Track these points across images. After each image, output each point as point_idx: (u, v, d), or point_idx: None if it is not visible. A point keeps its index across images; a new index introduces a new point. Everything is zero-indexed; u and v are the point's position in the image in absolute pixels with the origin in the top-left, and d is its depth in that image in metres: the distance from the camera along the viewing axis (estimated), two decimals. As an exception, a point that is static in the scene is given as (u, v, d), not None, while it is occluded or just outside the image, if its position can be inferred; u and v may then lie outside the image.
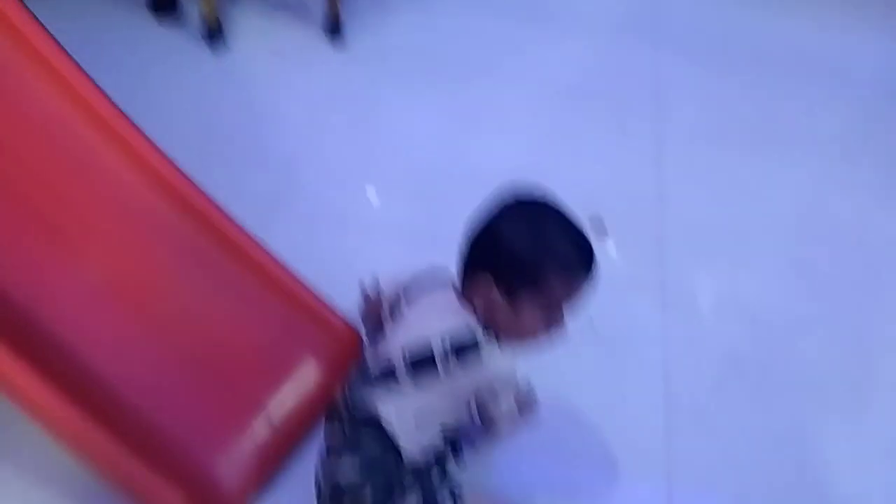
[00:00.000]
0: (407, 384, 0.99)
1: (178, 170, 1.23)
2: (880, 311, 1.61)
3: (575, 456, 1.28)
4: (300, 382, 1.18)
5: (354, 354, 1.23)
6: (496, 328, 1.02)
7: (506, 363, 1.02)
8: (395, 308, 1.09)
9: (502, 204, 1.03)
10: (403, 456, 1.00)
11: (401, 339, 1.02)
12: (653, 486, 1.26)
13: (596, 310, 1.46)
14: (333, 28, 2.00)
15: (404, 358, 0.99)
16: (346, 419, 1.03)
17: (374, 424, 0.99)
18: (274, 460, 1.13)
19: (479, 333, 1.00)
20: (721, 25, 2.33)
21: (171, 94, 1.64)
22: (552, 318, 1.03)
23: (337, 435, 1.03)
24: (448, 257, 1.07)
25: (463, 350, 0.98)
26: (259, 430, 1.11)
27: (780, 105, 2.07)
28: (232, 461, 1.08)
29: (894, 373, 1.49)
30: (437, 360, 0.98)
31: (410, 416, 1.00)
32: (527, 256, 0.99)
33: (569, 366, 1.39)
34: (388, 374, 1.00)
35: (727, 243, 1.69)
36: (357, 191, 1.67)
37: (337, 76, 1.93)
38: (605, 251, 1.61)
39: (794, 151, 1.95)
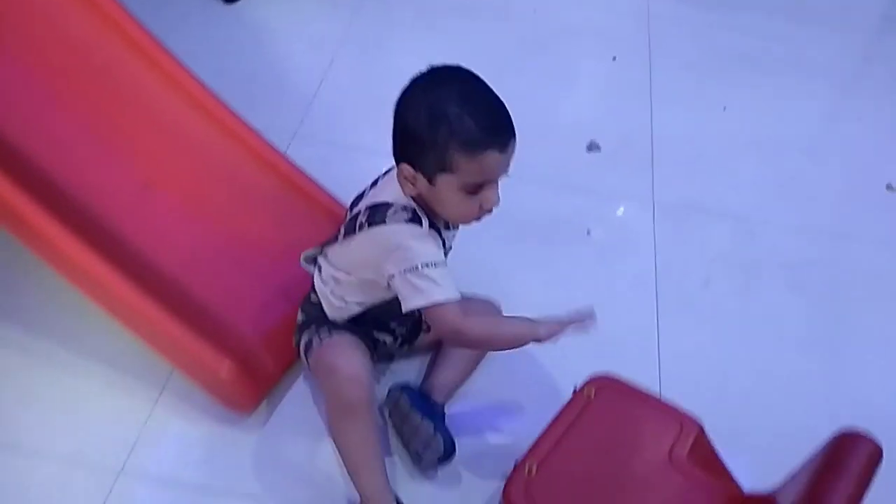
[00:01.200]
0: (340, 240, 1.09)
1: (211, 92, 1.38)
2: (854, 217, 1.74)
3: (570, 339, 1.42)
4: None
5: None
6: (431, 212, 1.05)
7: (414, 237, 1.02)
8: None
9: (406, 91, 1.01)
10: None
11: (358, 207, 1.11)
12: (645, 364, 1.39)
13: (592, 219, 1.64)
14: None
15: (346, 222, 1.10)
16: None
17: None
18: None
19: (399, 203, 1.03)
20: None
21: (188, 39, 1.75)
22: (476, 195, 1.01)
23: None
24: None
25: (376, 208, 1.04)
26: (286, 310, 1.25)
27: (769, 38, 2.20)
28: (268, 336, 1.23)
29: (871, 270, 1.62)
30: (359, 218, 1.06)
31: (331, 273, 1.12)
32: (426, 138, 0.97)
33: (564, 266, 1.54)
34: (336, 236, 1.11)
35: (713, 159, 1.82)
36: (368, 123, 1.80)
37: (347, 22, 2.06)
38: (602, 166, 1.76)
39: (781, 80, 2.07)
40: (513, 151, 1.01)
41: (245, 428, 1.21)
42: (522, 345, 1.07)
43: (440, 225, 1.08)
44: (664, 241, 1.61)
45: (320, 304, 1.17)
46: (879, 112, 2.02)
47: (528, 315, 1.09)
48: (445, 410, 1.22)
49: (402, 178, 1.03)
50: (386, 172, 1.13)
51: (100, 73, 1.34)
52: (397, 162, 1.04)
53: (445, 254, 1.12)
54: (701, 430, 0.98)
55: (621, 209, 1.69)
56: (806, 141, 1.92)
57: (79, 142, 1.27)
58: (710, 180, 1.77)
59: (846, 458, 0.79)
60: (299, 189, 1.40)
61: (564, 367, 1.34)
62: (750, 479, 1.03)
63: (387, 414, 1.22)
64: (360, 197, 1.16)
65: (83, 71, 1.33)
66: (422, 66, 1.66)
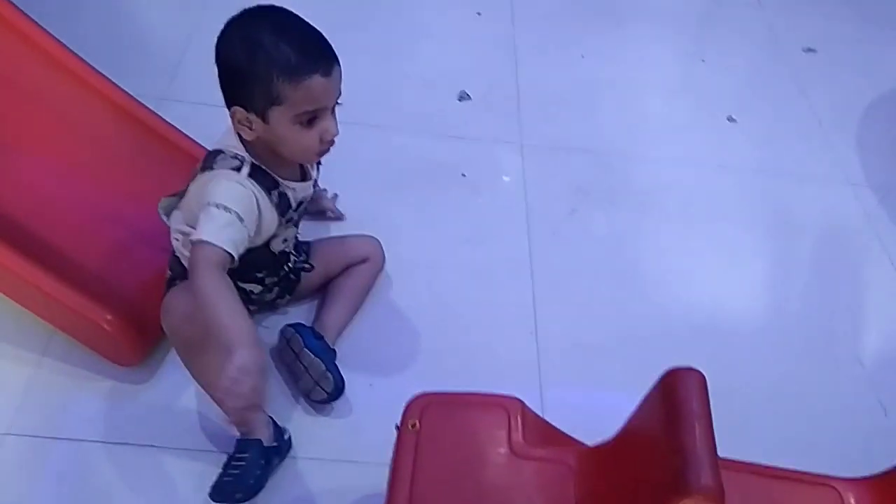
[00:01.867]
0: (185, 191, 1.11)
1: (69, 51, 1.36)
2: (699, 146, 1.91)
3: (452, 272, 1.50)
4: None
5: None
6: (275, 158, 1.06)
7: (223, 181, 1.02)
8: None
9: (222, 32, 1.01)
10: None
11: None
12: (520, 288, 1.50)
13: (466, 162, 1.73)
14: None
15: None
16: None
17: None
18: None
19: (230, 150, 1.05)
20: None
21: (56, 7, 1.70)
22: (313, 128, 1.01)
23: None
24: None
25: (209, 156, 1.08)
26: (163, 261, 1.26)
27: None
28: (147, 287, 1.23)
29: (711, 191, 1.79)
30: (200, 168, 1.08)
31: (179, 226, 1.13)
32: (248, 72, 0.97)
33: (442, 207, 1.62)
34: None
35: (573, 101, 1.95)
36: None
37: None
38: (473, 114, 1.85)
39: (633, 28, 2.23)
40: (339, 78, 1.01)
41: (134, 381, 1.22)
42: (218, 335, 0.94)
43: (282, 176, 1.09)
44: (533, 178, 1.72)
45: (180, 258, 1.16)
46: (721, 54, 2.21)
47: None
48: (336, 349, 1.26)
49: (237, 123, 1.03)
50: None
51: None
52: (229, 108, 1.03)
53: (298, 207, 1.14)
54: (523, 406, 0.95)
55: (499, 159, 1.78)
56: (656, 82, 2.08)
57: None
58: (572, 121, 1.89)
59: (685, 395, 0.77)
60: (165, 140, 1.40)
61: (446, 297, 1.44)
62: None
63: (277, 353, 1.26)
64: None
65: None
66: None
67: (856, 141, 1.98)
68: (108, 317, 1.14)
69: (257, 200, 1.05)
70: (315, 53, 0.98)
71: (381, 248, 1.39)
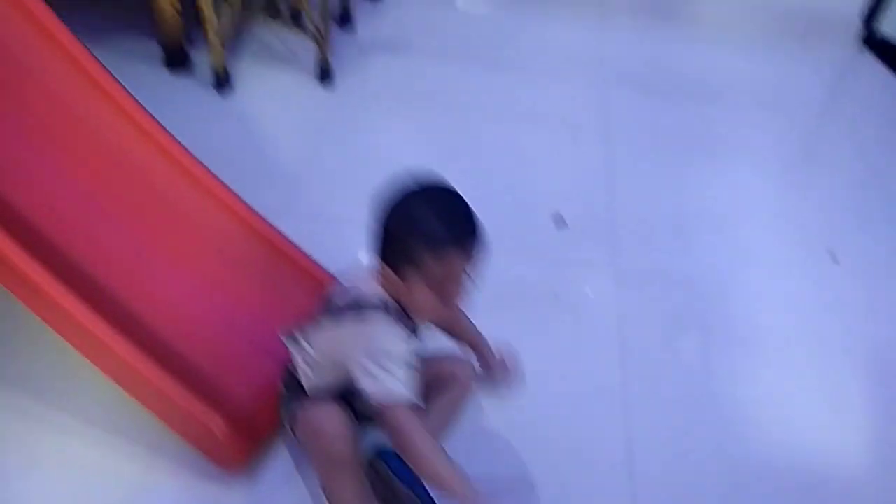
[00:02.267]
0: (320, 324, 1.17)
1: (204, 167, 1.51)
2: (799, 280, 1.88)
3: (543, 397, 1.51)
4: None
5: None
6: (405, 308, 1.12)
7: (387, 332, 1.08)
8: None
9: (387, 200, 1.09)
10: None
11: (344, 293, 1.19)
12: (612, 420, 1.49)
13: (559, 285, 1.76)
14: (323, 73, 2.31)
15: (325, 305, 1.18)
16: None
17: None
18: None
19: (378, 300, 1.11)
20: (657, 60, 2.69)
21: (186, 129, 1.90)
22: (444, 294, 1.08)
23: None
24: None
25: (356, 301, 1.13)
26: (275, 371, 1.33)
27: (711, 123, 2.41)
28: (258, 396, 1.31)
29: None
30: (339, 307, 1.14)
31: (309, 352, 1.19)
32: (397, 237, 1.06)
33: (532, 327, 1.65)
34: (318, 319, 1.19)
35: (669, 229, 1.97)
36: (349, 197, 1.94)
37: (328, 112, 2.23)
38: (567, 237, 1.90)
39: (723, 159, 2.27)
40: (478, 256, 1.08)
41: (236, 487, 1.27)
42: (438, 487, 1.09)
43: (415, 324, 1.15)
44: (627, 306, 1.73)
45: (299, 378, 1.23)
46: (820, 188, 2.21)
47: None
48: None
49: (380, 275, 1.12)
50: (362, 265, 1.19)
51: (104, 148, 1.46)
52: (377, 259, 1.12)
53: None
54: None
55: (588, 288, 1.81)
56: (753, 214, 2.08)
57: (81, 212, 1.38)
58: (667, 250, 1.91)
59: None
60: (286, 256, 1.51)
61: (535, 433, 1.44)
62: None
63: (364, 476, 1.27)
64: (339, 284, 1.24)
65: (91, 148, 1.45)
66: (395, 148, 1.83)
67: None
68: (218, 421, 1.21)
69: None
70: (462, 234, 1.06)
71: (472, 368, 1.41)
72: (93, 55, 1.48)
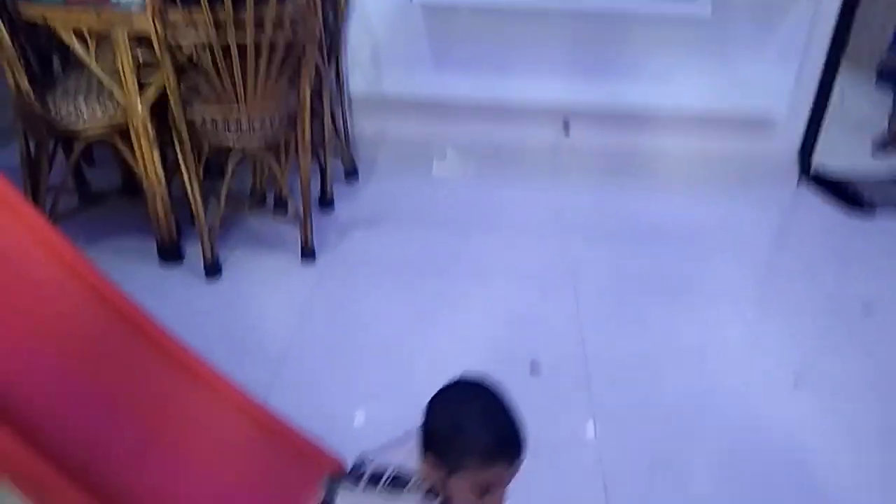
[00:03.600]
0: (357, 488, 1.19)
1: (198, 357, 1.62)
2: (765, 409, 1.96)
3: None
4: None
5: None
6: (444, 498, 1.14)
7: None
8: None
9: (438, 397, 1.13)
10: None
11: (384, 459, 1.21)
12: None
13: (538, 433, 1.83)
14: (306, 252, 2.50)
15: (371, 472, 1.19)
16: None
17: None
18: None
19: (417, 483, 1.13)
20: (614, 212, 2.93)
21: (178, 316, 2.03)
22: (481, 498, 1.10)
23: None
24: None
25: (400, 475, 1.15)
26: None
27: (672, 265, 2.59)
28: None
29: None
30: (382, 480, 1.15)
31: None
32: (448, 445, 1.09)
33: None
34: (355, 480, 1.20)
35: (639, 368, 2.07)
36: (337, 371, 2.04)
37: (312, 289, 2.39)
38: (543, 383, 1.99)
39: (686, 298, 2.42)
40: (521, 462, 1.12)
41: None
42: None
43: None
44: (607, 447, 1.79)
45: None
46: (781, 321, 2.35)
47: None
48: None
49: (424, 464, 1.14)
50: (406, 437, 1.21)
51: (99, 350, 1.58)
52: (422, 449, 1.15)
53: None
54: None
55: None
56: (720, 349, 2.20)
57: (82, 410, 1.47)
58: (642, 389, 2.00)
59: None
60: (278, 434, 1.59)
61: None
62: None
63: None
64: (378, 450, 1.25)
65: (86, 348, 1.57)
66: (377, 315, 1.95)
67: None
68: None
69: None
70: (508, 446, 1.09)
71: None
72: (92, 264, 1.64)
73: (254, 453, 1.57)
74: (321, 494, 1.29)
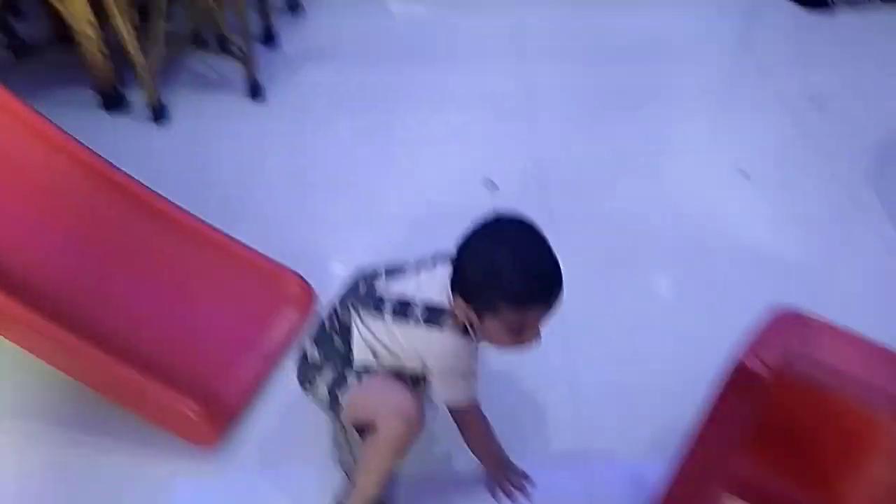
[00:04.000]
0: (385, 317, 1.17)
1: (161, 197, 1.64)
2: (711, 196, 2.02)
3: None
4: (273, 323, 1.57)
5: (308, 303, 1.61)
6: (474, 333, 1.14)
7: (463, 348, 1.12)
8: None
9: (470, 237, 1.09)
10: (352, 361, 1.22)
11: (403, 288, 1.18)
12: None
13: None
14: (254, 91, 2.43)
15: (396, 300, 1.17)
16: (327, 326, 1.26)
17: (346, 333, 1.22)
18: (257, 380, 1.50)
19: (452, 317, 1.12)
20: (573, 32, 2.84)
21: (130, 163, 2.00)
22: (517, 337, 1.10)
23: (318, 332, 1.28)
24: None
25: (433, 311, 1.13)
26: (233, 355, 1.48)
27: (631, 81, 2.55)
28: (223, 379, 1.45)
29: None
30: (413, 313, 1.14)
31: (370, 341, 1.20)
32: (481, 288, 1.06)
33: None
34: (378, 306, 1.19)
35: (595, 176, 2.12)
36: (298, 200, 2.06)
37: (265, 126, 2.35)
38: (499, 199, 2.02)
39: (645, 110, 2.42)
40: (559, 303, 1.08)
41: (215, 461, 1.39)
42: (481, 461, 1.34)
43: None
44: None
45: (347, 347, 1.22)
46: (736, 121, 2.36)
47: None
48: None
49: (455, 304, 1.12)
50: (433, 261, 1.20)
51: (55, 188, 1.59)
52: (452, 290, 1.12)
53: None
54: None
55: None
56: (674, 153, 2.23)
57: (41, 245, 1.49)
58: (597, 194, 2.05)
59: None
60: (244, 260, 1.65)
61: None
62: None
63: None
64: (393, 271, 1.22)
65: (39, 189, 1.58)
66: (334, 148, 1.93)
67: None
68: (192, 404, 1.34)
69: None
70: (544, 288, 1.06)
71: None
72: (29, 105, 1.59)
73: (221, 280, 1.63)
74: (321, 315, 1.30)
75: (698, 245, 1.88)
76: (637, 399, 1.52)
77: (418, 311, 1.15)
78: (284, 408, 1.48)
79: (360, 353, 1.21)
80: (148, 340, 1.45)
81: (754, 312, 1.24)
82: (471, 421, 1.26)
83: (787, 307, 1.24)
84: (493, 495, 1.36)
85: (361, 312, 1.21)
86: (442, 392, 1.19)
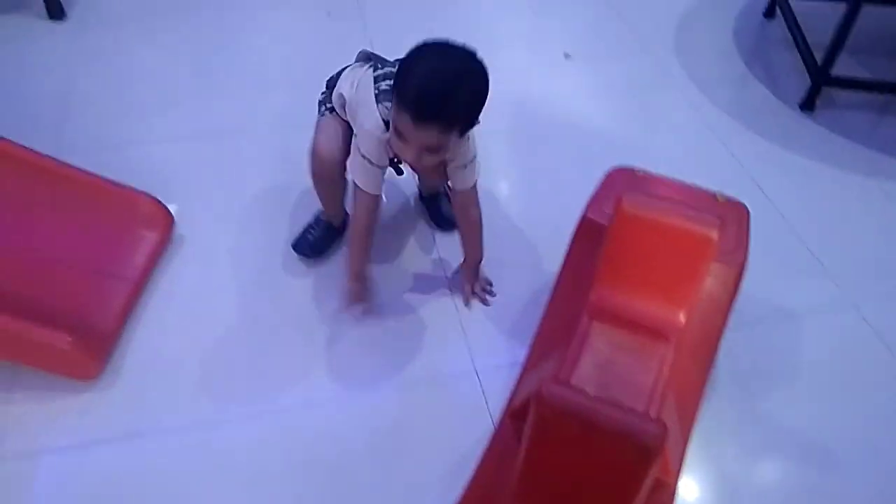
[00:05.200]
0: (368, 71, 1.34)
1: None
2: (540, 82, 2.17)
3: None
4: (134, 247, 1.53)
5: (166, 223, 1.57)
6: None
7: (373, 122, 1.26)
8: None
9: (423, 43, 1.21)
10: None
11: (392, 69, 1.31)
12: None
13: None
14: (52, 8, 2.20)
15: (386, 69, 1.32)
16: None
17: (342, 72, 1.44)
18: (127, 305, 1.47)
19: (383, 109, 1.26)
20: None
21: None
22: (398, 141, 1.22)
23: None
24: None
25: (383, 94, 1.27)
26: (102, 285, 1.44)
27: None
28: (94, 310, 1.41)
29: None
30: (380, 80, 1.29)
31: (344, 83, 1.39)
32: (396, 76, 1.20)
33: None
34: (370, 61, 1.37)
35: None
36: (120, 118, 1.95)
37: (71, 45, 2.16)
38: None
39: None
40: (435, 134, 1.18)
41: (97, 390, 1.36)
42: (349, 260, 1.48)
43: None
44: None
45: (332, 91, 1.43)
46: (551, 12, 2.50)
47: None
48: None
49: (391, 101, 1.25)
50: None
51: None
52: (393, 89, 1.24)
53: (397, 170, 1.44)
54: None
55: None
56: (501, 38, 2.33)
57: None
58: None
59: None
60: (85, 185, 1.55)
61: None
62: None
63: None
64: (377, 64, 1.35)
65: None
66: (150, 61, 1.81)
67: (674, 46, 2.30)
68: (66, 337, 1.29)
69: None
70: (414, 101, 1.15)
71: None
72: None
73: (74, 211, 1.55)
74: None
75: (537, 123, 2.02)
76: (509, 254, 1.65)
77: (383, 85, 1.29)
78: (158, 331, 1.46)
79: (336, 92, 1.41)
80: (6, 282, 1.36)
81: (594, 174, 1.40)
82: (358, 206, 1.37)
83: (619, 166, 1.41)
84: (463, 293, 1.53)
85: (357, 63, 1.42)
86: (349, 162, 1.35)
